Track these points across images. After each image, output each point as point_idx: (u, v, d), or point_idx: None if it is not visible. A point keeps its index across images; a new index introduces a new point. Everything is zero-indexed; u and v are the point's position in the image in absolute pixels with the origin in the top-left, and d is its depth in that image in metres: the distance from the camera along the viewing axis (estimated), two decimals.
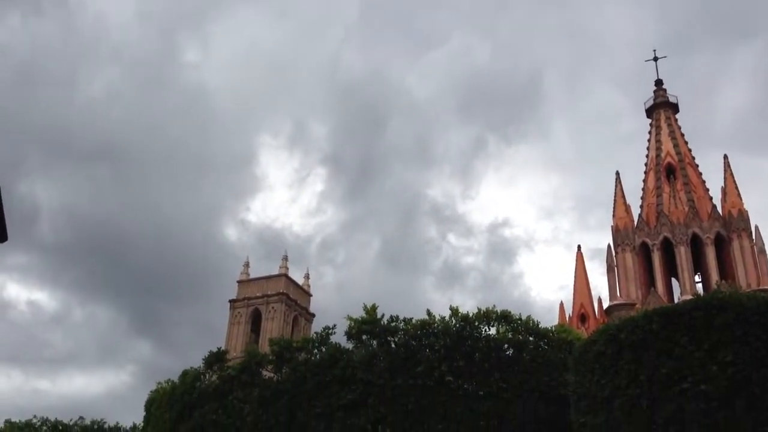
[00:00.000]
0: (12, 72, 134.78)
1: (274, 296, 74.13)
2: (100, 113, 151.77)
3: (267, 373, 14.27)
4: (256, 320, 74.24)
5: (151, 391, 16.36)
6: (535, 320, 13.96)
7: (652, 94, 62.42)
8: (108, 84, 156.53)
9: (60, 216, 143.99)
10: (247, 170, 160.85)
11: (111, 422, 20.63)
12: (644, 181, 58.93)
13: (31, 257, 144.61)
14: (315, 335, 13.94)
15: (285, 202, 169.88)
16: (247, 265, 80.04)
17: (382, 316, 13.44)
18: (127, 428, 20.63)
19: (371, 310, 13.41)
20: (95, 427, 19.70)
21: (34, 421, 19.83)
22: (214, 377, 14.84)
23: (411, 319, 13.50)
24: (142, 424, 17.27)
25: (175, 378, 15.61)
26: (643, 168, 59.86)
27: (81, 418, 19.92)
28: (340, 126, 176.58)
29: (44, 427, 19.51)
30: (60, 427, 19.52)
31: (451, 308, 13.53)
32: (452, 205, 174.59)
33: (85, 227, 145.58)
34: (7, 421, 19.74)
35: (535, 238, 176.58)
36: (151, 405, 15.96)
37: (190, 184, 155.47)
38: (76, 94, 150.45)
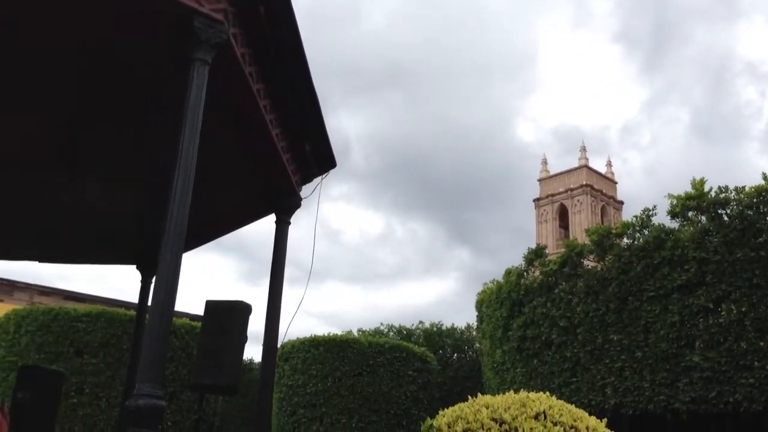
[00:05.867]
0: (302, 19, 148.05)
1: (577, 189, 72.93)
2: (383, 40, 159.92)
3: (589, 263, 14.11)
4: (562, 216, 73.91)
5: (478, 293, 17.18)
6: None
7: None
8: (386, 11, 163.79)
9: (368, 144, 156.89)
10: (532, 66, 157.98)
11: (447, 324, 22.27)
12: None
13: (351, 186, 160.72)
14: (635, 218, 13.32)
15: (575, 92, 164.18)
16: (545, 162, 79.42)
17: (710, 189, 12.34)
18: (462, 328, 22.06)
19: (698, 184, 12.36)
20: (434, 329, 21.39)
21: (382, 328, 22.16)
22: (537, 273, 15.07)
23: (744, 187, 12.18)
24: (475, 324, 18.29)
25: (497, 278, 16.17)
26: None
27: (421, 322, 21.73)
28: None
29: (391, 333, 21.71)
30: (404, 332, 21.56)
31: None
32: None
33: (389, 151, 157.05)
34: (360, 330, 22.38)
35: None
36: (481, 305, 16.80)
37: (477, 91, 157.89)
38: (359, 27, 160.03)
